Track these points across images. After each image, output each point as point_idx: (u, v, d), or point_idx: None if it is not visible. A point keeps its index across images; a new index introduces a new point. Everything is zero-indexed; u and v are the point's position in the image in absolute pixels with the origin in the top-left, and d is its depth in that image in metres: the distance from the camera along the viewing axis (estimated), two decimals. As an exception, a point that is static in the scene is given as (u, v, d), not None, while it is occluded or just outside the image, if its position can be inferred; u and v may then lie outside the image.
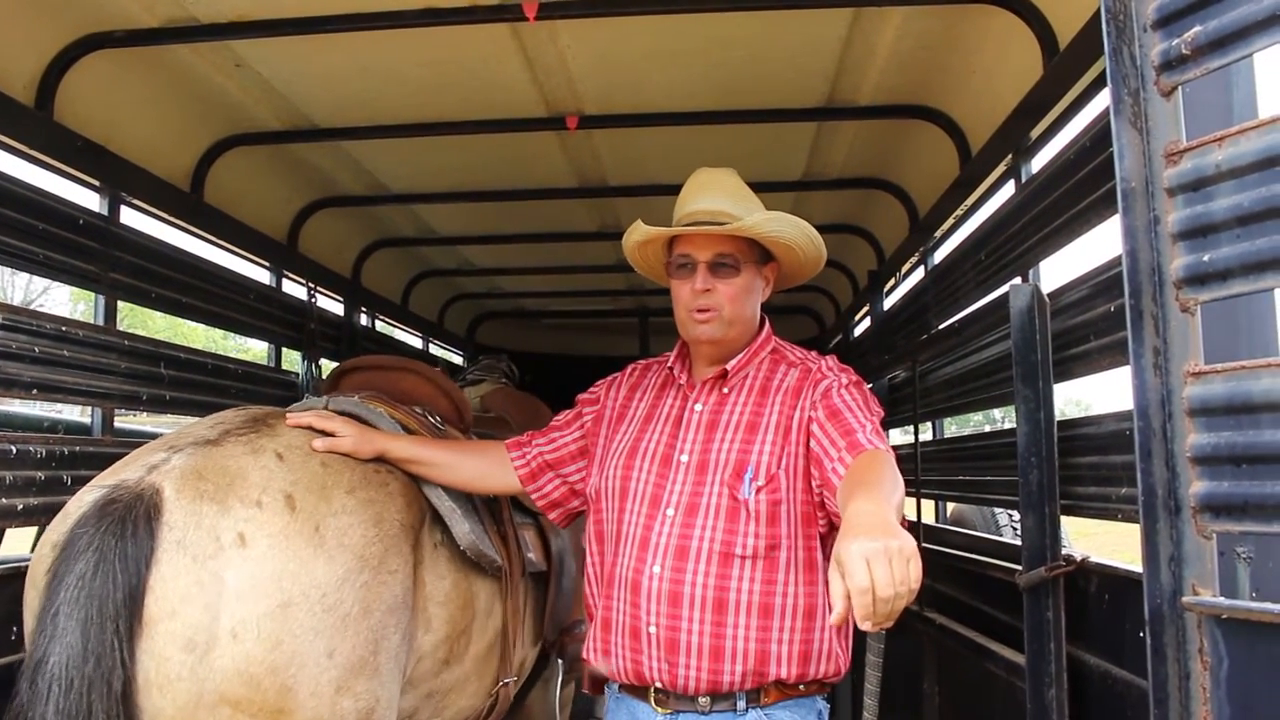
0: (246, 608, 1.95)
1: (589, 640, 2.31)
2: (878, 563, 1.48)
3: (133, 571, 1.88)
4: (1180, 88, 1.50)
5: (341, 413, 2.58)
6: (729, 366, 2.28)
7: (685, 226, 2.25)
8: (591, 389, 2.55)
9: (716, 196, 2.25)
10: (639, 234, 2.33)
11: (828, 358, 2.31)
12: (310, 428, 2.30)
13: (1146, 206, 1.51)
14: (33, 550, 2.83)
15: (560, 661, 3.23)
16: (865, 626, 1.51)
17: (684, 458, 2.22)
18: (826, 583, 2.13)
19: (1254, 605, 1.40)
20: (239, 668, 1.93)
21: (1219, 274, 1.42)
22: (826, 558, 2.13)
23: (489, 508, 2.77)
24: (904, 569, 1.49)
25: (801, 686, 2.16)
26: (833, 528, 2.11)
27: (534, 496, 2.53)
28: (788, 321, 7.11)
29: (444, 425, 2.91)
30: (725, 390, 2.28)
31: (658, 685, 2.16)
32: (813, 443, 2.13)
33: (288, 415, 2.34)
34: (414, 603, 2.32)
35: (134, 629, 1.87)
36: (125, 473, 2.04)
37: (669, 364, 2.40)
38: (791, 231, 2.25)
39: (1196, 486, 1.44)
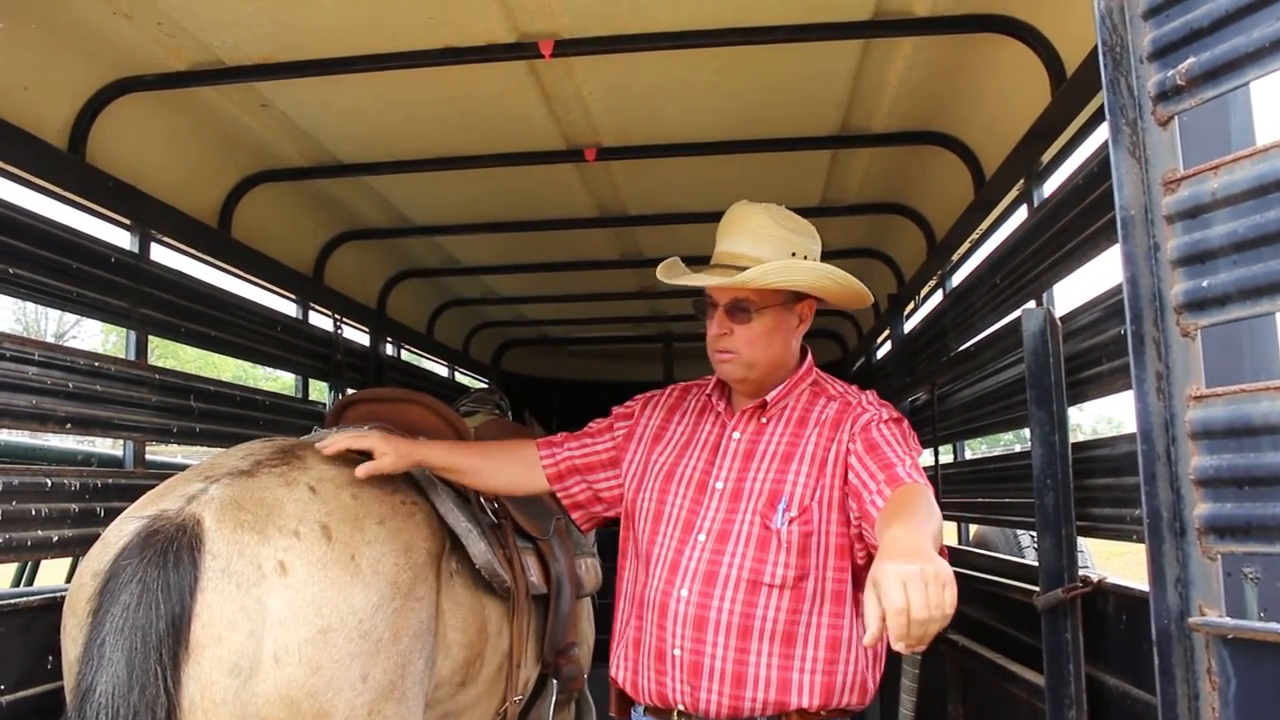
0: (289, 633, 2.01)
1: (617, 658, 2.33)
2: (914, 585, 1.51)
3: (175, 601, 1.94)
4: (1177, 117, 1.52)
5: None
6: (769, 398, 2.30)
7: (704, 269, 2.29)
8: (628, 403, 2.56)
9: (740, 238, 2.25)
10: (660, 273, 2.35)
11: (868, 392, 2.33)
12: (348, 451, 2.36)
13: (1146, 234, 1.54)
14: (69, 579, 2.89)
15: (555, 682, 3.27)
16: (898, 648, 1.54)
17: (719, 484, 2.25)
18: (857, 612, 2.16)
19: (1259, 625, 1.41)
20: (280, 692, 1.98)
21: (1218, 299, 1.44)
22: (860, 589, 2.14)
23: (495, 532, 2.83)
24: (939, 594, 1.52)
25: (824, 713, 2.17)
26: (871, 559, 2.13)
27: (560, 497, 2.56)
28: (811, 345, 7.09)
29: None
30: (764, 420, 2.30)
31: (680, 708, 2.18)
32: (851, 475, 2.15)
33: (320, 445, 2.39)
34: (435, 629, 2.36)
35: (178, 657, 1.92)
36: (164, 503, 2.09)
37: (708, 391, 2.42)
38: (801, 278, 2.22)
39: (1201, 508, 1.45)
